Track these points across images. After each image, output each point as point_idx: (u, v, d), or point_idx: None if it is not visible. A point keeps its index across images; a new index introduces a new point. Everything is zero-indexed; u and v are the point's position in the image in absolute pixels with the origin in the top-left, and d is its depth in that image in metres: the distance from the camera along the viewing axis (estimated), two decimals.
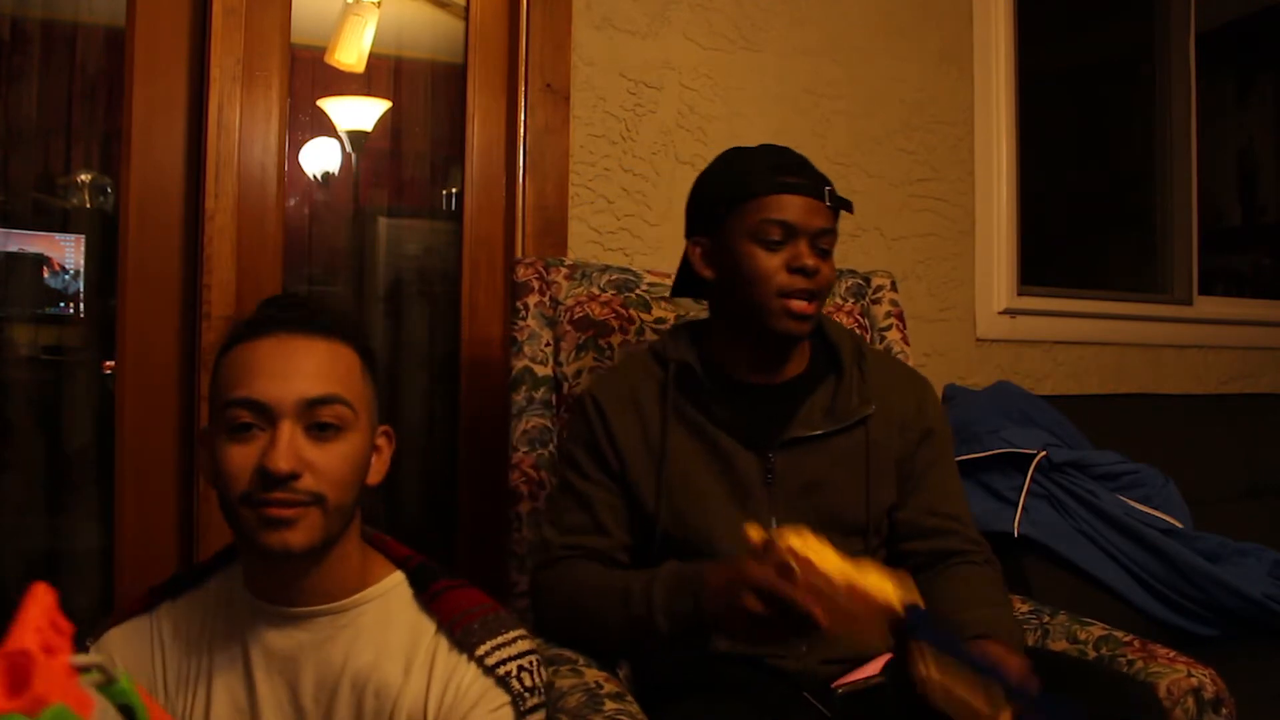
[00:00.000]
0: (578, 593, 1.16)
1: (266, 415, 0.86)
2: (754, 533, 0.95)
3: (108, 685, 0.62)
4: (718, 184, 1.22)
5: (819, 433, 1.19)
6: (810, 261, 1.14)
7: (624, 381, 1.25)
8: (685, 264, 1.27)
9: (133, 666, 0.93)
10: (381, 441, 0.98)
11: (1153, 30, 2.68)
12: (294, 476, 0.85)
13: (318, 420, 0.87)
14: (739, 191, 1.18)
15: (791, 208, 1.15)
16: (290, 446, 0.85)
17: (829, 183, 1.19)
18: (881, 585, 0.87)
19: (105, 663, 0.62)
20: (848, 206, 1.21)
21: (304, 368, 0.88)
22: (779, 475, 1.18)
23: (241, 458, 0.86)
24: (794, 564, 0.89)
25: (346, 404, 0.89)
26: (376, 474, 0.96)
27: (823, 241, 1.17)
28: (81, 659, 0.60)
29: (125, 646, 0.95)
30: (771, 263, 1.15)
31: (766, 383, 1.23)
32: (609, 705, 1.00)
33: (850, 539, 1.18)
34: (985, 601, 1.15)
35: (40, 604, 0.60)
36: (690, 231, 1.25)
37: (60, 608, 0.62)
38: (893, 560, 1.23)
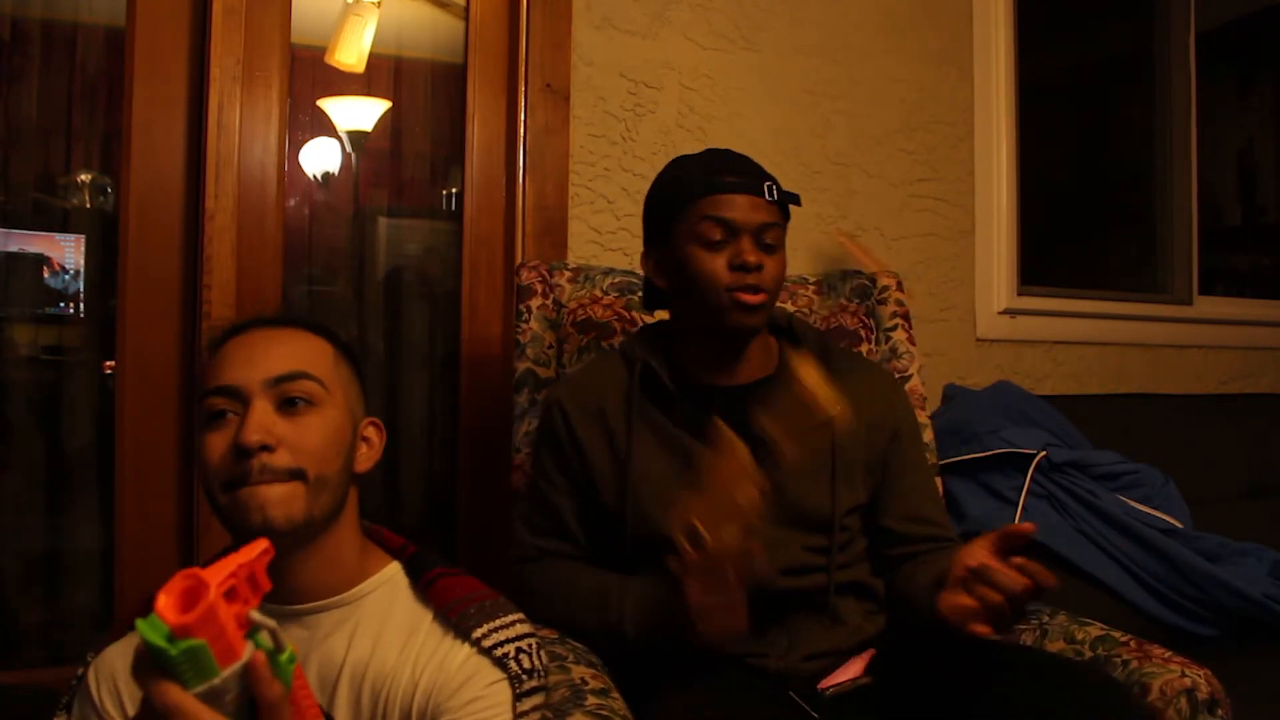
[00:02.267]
0: (555, 592, 1.22)
1: (238, 397, 0.88)
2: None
3: (274, 652, 0.66)
4: (661, 195, 1.25)
5: None
6: (752, 258, 1.15)
7: (589, 386, 1.26)
8: (647, 277, 1.30)
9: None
10: (370, 432, 0.98)
11: (1153, 30, 2.69)
12: (266, 449, 0.86)
13: (287, 396, 0.89)
14: (678, 198, 1.20)
15: (729, 205, 1.17)
16: (260, 420, 0.86)
17: (771, 179, 1.19)
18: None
19: (278, 631, 0.66)
20: (793, 200, 1.21)
21: (271, 351, 0.91)
22: None
23: (217, 442, 0.87)
24: (687, 518, 0.97)
25: (314, 379, 0.91)
26: (366, 461, 0.97)
27: (767, 236, 1.18)
28: (258, 616, 0.65)
29: (124, 661, 0.94)
30: (716, 263, 1.17)
31: (731, 384, 1.23)
32: (591, 700, 1.01)
33: (814, 535, 1.20)
34: (913, 577, 1.19)
35: (250, 556, 0.66)
36: (646, 245, 1.28)
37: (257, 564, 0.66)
38: (874, 563, 1.26)
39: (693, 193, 1.19)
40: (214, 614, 0.61)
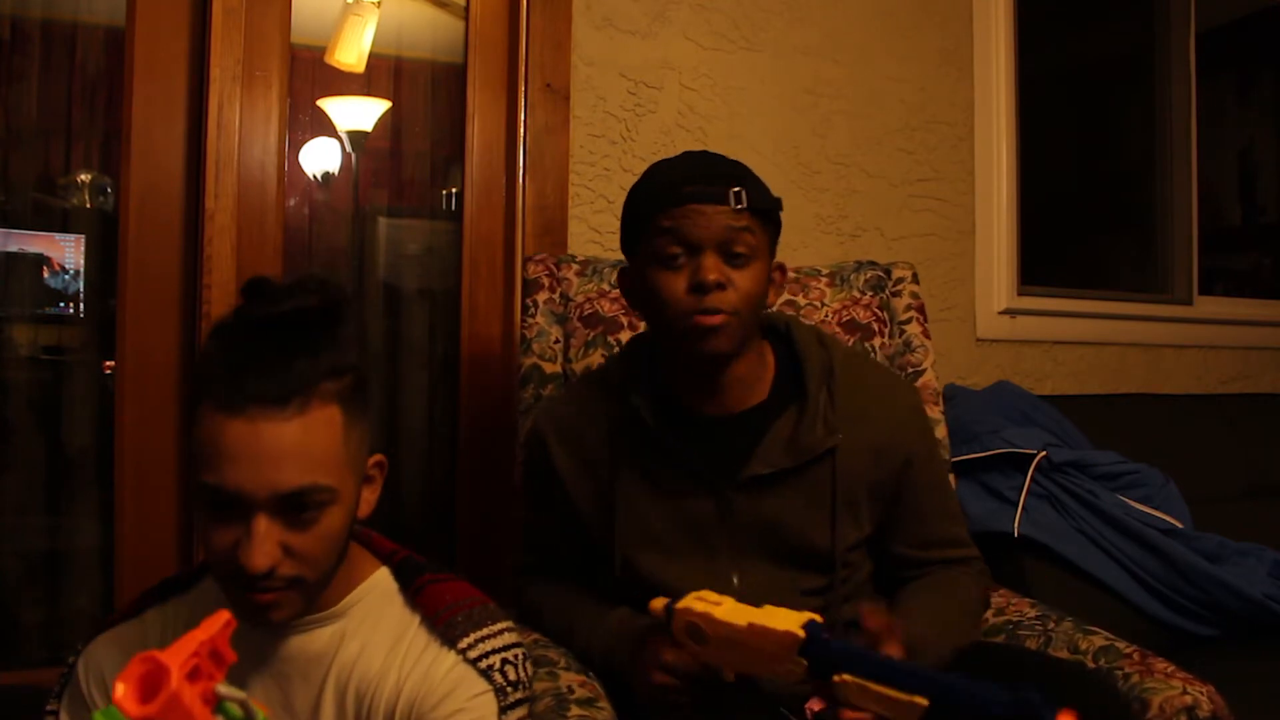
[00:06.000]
0: (542, 608, 1.23)
1: (241, 506, 0.82)
2: (656, 604, 0.98)
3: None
4: (627, 208, 1.14)
5: (779, 470, 1.11)
6: (711, 276, 1.03)
7: (570, 416, 1.20)
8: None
9: (118, 675, 0.93)
10: (374, 473, 0.94)
11: (1153, 30, 2.68)
12: (270, 573, 0.83)
13: (296, 507, 0.83)
14: (640, 213, 1.10)
15: (688, 218, 1.04)
16: (265, 543, 0.81)
17: (745, 183, 1.06)
18: (783, 617, 0.89)
19: (248, 701, 0.65)
20: (769, 204, 1.08)
21: (278, 456, 0.81)
22: (737, 515, 1.12)
23: (221, 539, 0.83)
24: (699, 623, 0.93)
25: (325, 489, 0.84)
26: (367, 506, 0.93)
27: (735, 246, 1.05)
28: (225, 689, 0.64)
29: (111, 655, 0.94)
30: (676, 285, 1.05)
31: (723, 413, 1.14)
32: (574, 711, 0.99)
33: (812, 576, 1.14)
34: (915, 595, 1.15)
35: (210, 630, 0.64)
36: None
37: (218, 639, 0.65)
38: (884, 587, 1.22)
39: (651, 206, 1.07)
40: (177, 700, 0.58)
